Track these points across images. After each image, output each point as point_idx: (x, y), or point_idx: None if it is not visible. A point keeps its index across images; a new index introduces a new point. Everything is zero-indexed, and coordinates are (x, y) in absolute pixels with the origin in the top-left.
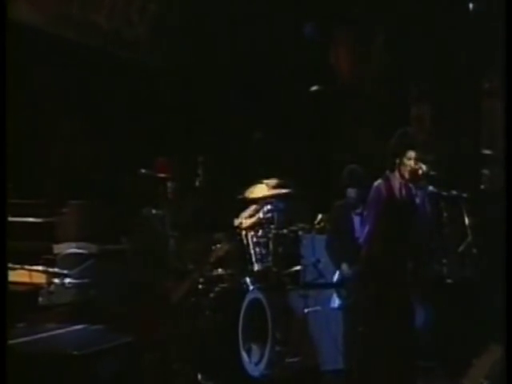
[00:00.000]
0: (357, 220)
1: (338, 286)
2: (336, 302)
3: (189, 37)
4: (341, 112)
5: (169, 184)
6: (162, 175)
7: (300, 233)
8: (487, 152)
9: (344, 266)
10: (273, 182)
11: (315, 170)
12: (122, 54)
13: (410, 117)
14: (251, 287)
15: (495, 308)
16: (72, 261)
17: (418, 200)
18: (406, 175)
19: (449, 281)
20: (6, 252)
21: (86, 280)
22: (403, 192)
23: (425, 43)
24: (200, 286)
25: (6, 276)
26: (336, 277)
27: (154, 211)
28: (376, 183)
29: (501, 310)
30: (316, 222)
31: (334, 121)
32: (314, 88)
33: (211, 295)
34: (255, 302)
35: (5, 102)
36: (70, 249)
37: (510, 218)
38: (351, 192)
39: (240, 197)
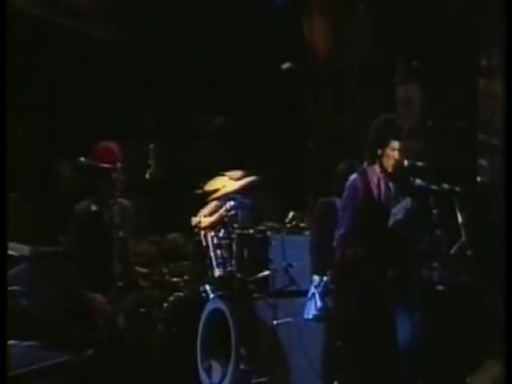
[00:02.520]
0: None
1: (312, 294)
2: (310, 312)
3: (142, 8)
4: (316, 94)
5: (113, 175)
6: (106, 165)
7: (268, 233)
8: (484, 140)
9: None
10: (237, 174)
11: (286, 161)
12: (67, 24)
13: (396, 99)
14: (211, 296)
15: (493, 318)
16: None
17: (401, 196)
18: (389, 168)
19: (440, 287)
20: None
21: (16, 287)
22: (383, 187)
23: (414, 14)
24: (152, 295)
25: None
26: (312, 284)
27: (94, 207)
28: (351, 178)
29: (499, 320)
30: (287, 220)
31: (308, 104)
32: (285, 66)
33: (165, 305)
34: (216, 313)
35: (4, 100)
36: None
37: (511, 216)
38: None
39: (198, 191)
